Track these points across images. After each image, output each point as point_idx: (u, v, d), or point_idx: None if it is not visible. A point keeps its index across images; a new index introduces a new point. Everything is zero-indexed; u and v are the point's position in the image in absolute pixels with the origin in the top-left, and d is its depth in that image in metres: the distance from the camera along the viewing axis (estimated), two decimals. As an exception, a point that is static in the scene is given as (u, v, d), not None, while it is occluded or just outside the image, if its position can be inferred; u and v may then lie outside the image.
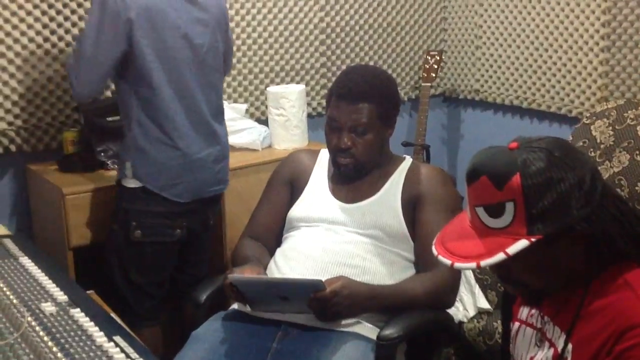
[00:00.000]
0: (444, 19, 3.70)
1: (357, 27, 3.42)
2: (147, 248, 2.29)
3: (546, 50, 3.22)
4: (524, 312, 1.42)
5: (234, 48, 3.07)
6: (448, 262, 1.21)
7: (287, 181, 2.19)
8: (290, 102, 2.94)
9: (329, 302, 1.78)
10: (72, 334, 1.37)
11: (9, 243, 1.88)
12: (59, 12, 2.66)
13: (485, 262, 1.17)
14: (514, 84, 3.39)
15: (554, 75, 3.21)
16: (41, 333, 1.36)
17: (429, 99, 3.36)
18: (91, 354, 1.29)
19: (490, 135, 3.50)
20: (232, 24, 3.06)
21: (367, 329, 1.87)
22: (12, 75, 2.60)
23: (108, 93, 2.74)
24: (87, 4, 2.69)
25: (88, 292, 1.71)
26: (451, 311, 2.03)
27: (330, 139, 2.06)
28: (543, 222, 1.16)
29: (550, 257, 1.21)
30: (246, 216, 2.27)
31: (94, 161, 2.57)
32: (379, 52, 3.52)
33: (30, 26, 2.61)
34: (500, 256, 1.16)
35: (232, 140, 2.84)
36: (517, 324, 1.43)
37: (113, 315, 1.58)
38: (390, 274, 1.97)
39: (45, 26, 2.63)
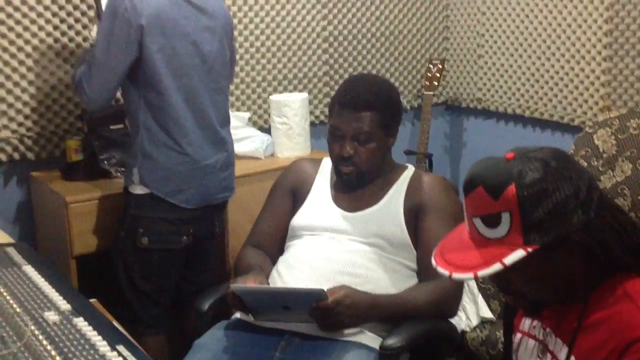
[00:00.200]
0: (446, 27, 3.71)
1: (359, 36, 3.43)
2: (153, 255, 2.29)
3: (548, 59, 3.23)
4: (525, 323, 1.42)
5: (237, 56, 3.09)
6: (446, 272, 1.21)
7: (290, 190, 2.19)
8: (293, 110, 2.95)
9: (331, 312, 1.78)
10: (75, 343, 1.37)
11: (12, 251, 1.88)
12: (62, 21, 2.67)
13: (482, 273, 1.17)
14: (517, 93, 3.40)
15: (557, 84, 3.21)
16: (44, 342, 1.36)
17: (431, 107, 3.36)
18: (94, 363, 1.29)
19: (493, 144, 3.51)
20: (234, 33, 3.06)
21: (370, 339, 1.87)
22: (16, 84, 2.61)
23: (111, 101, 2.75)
24: (86, 17, 2.71)
25: (91, 300, 1.71)
26: (454, 320, 2.03)
27: (333, 147, 2.06)
28: (539, 232, 1.16)
29: (548, 268, 1.21)
30: (249, 225, 2.27)
31: (97, 169, 2.58)
32: (381, 61, 3.53)
33: (34, 35, 2.62)
34: (497, 266, 1.16)
35: (235, 148, 2.83)
36: (519, 335, 1.43)
37: (116, 324, 1.58)
38: (392, 283, 1.97)
39: (49, 34, 2.65)
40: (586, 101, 3.10)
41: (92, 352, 1.33)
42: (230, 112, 2.92)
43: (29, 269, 1.74)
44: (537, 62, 3.28)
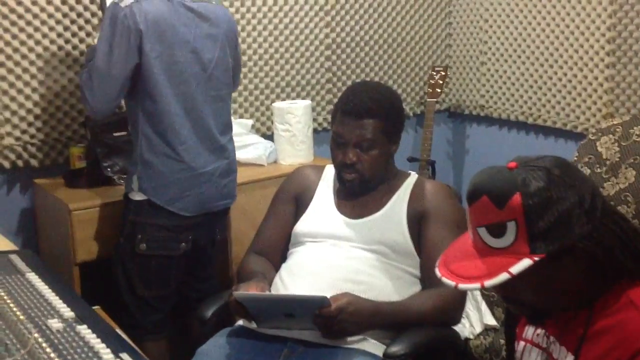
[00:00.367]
0: (449, 35, 3.71)
1: (362, 43, 3.44)
2: (152, 261, 2.29)
3: (551, 66, 3.23)
4: (529, 331, 1.42)
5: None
6: (452, 283, 1.21)
7: (293, 197, 2.19)
8: (296, 117, 2.95)
9: (334, 319, 1.78)
10: (78, 350, 1.37)
11: (15, 259, 1.88)
12: (66, 28, 2.68)
13: (489, 283, 1.17)
14: (519, 100, 3.40)
15: (559, 91, 3.21)
16: (48, 350, 1.36)
17: (434, 114, 3.36)
18: (97, 371, 1.29)
19: (496, 151, 3.51)
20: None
21: (373, 346, 1.86)
22: (19, 91, 2.62)
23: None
24: (90, 25, 2.72)
25: (94, 307, 1.71)
26: (457, 328, 2.02)
27: (336, 154, 2.06)
28: (545, 241, 1.16)
29: (553, 276, 1.21)
30: (251, 231, 2.27)
31: (100, 176, 2.58)
32: (384, 68, 3.53)
33: (37, 42, 2.63)
34: (503, 276, 1.16)
35: (238, 155, 2.84)
36: (522, 343, 1.42)
37: (119, 331, 1.57)
38: (396, 290, 1.97)
39: (52, 42, 2.66)
40: (589, 108, 3.10)
41: (95, 359, 1.33)
42: (233, 119, 2.94)
43: (33, 276, 1.74)
44: (540, 69, 3.28)
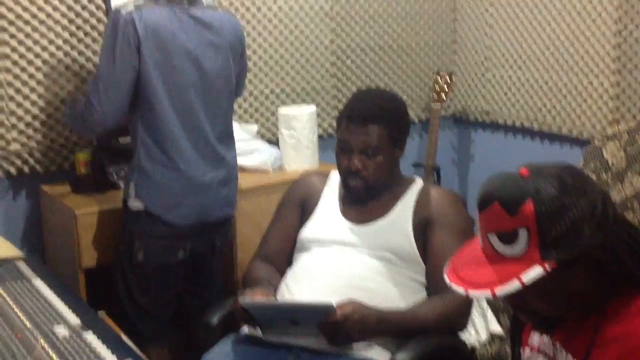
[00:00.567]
0: (454, 40, 3.71)
1: (367, 49, 3.44)
2: (150, 269, 2.29)
3: (557, 72, 3.22)
4: (534, 337, 1.41)
5: (246, 69, 3.10)
6: (462, 290, 1.20)
7: (298, 202, 2.19)
8: (301, 123, 2.95)
9: (340, 326, 1.77)
10: (84, 357, 1.37)
11: (21, 265, 1.89)
12: (72, 34, 2.69)
13: (500, 290, 1.16)
14: (525, 106, 3.40)
15: (565, 97, 3.21)
16: (54, 357, 1.37)
17: (439, 120, 3.36)
18: (103, 378, 1.29)
19: (501, 157, 3.51)
20: (243, 46, 3.08)
21: (379, 354, 1.86)
22: (25, 97, 2.62)
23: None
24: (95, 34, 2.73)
25: (99, 311, 1.71)
26: (463, 335, 2.02)
27: (341, 160, 2.06)
28: (557, 249, 1.16)
29: (563, 284, 1.20)
30: (257, 237, 2.27)
31: (106, 182, 2.59)
32: (389, 74, 3.53)
33: (44, 48, 2.64)
34: (514, 284, 1.15)
35: (243, 161, 2.85)
36: (527, 350, 1.42)
37: (124, 338, 1.58)
38: (401, 297, 1.96)
39: (58, 48, 2.66)
40: (595, 114, 3.10)
41: (101, 366, 1.34)
42: (237, 125, 2.94)
43: (39, 283, 1.74)
44: (545, 75, 3.28)
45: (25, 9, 2.58)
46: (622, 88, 2.99)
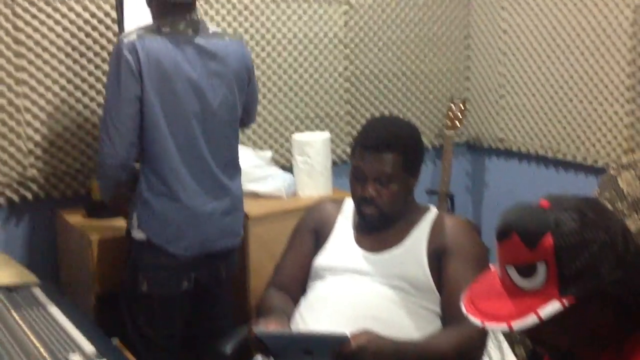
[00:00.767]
0: (467, 67, 3.73)
1: (381, 76, 3.46)
2: (154, 300, 2.27)
3: (571, 100, 3.22)
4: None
5: (259, 96, 3.12)
6: (479, 322, 1.19)
7: (312, 230, 2.19)
8: (315, 149, 2.96)
9: (354, 357, 1.76)
10: (99, 386, 1.37)
11: (37, 291, 1.90)
12: (90, 61, 2.72)
13: (517, 324, 1.15)
14: (539, 133, 3.39)
15: (580, 125, 3.20)
16: (69, 386, 1.37)
17: (453, 147, 3.36)
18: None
19: (515, 185, 3.50)
20: (257, 72, 3.10)
21: (393, 384, 1.84)
22: (43, 123, 2.65)
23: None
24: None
25: (112, 338, 1.71)
26: (479, 366, 2.00)
27: (355, 188, 2.06)
28: (576, 284, 1.15)
29: (582, 319, 1.19)
30: (270, 264, 2.26)
31: (121, 208, 2.59)
32: (402, 100, 3.55)
33: (61, 74, 2.67)
34: (532, 318, 1.14)
35: (257, 187, 2.87)
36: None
37: (138, 367, 1.58)
38: (416, 327, 1.95)
39: (76, 74, 2.70)
40: (610, 142, 3.09)
41: (116, 396, 1.33)
42: (251, 151, 2.96)
43: (54, 310, 1.75)
44: (559, 102, 3.28)
45: (44, 36, 2.62)
46: (637, 116, 2.98)
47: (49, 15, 2.62)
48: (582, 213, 1.18)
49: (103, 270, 2.42)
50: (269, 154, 3.07)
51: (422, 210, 2.12)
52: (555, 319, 1.15)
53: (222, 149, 2.32)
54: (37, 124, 2.64)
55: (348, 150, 3.35)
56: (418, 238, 2.05)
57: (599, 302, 1.19)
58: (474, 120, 3.73)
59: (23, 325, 1.65)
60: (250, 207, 2.72)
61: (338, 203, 2.23)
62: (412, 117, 3.57)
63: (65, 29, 2.66)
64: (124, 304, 2.32)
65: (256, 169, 2.90)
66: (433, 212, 2.13)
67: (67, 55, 2.67)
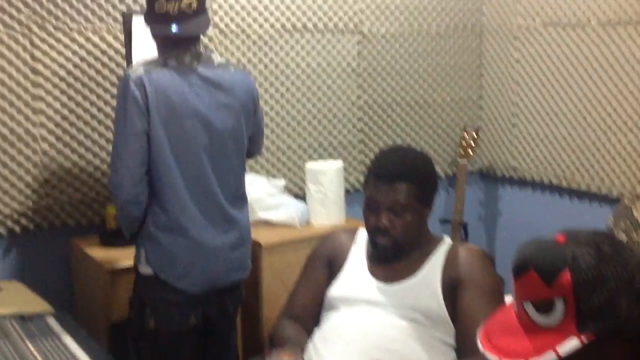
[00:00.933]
0: (480, 96, 3.74)
1: (393, 104, 3.47)
2: (162, 337, 2.24)
3: (584, 129, 3.22)
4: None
5: (273, 124, 3.14)
6: (495, 359, 1.18)
7: (326, 260, 2.18)
8: (328, 178, 2.96)
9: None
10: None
11: (51, 320, 1.90)
12: (106, 90, 2.75)
13: None
14: (552, 163, 3.38)
15: (593, 154, 3.20)
16: (83, 418, 1.37)
17: (466, 175, 3.36)
18: None
19: (529, 213, 3.49)
20: (271, 101, 3.13)
21: (408, 417, 1.82)
22: (59, 152, 2.68)
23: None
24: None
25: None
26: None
27: (369, 219, 2.06)
28: (594, 321, 1.14)
29: (600, 356, 1.18)
30: (283, 293, 2.26)
31: (135, 237, 2.60)
32: (415, 129, 3.56)
33: (78, 104, 2.70)
34: (550, 355, 1.13)
35: (270, 216, 2.87)
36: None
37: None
38: (430, 359, 1.93)
39: (92, 104, 2.73)
40: (624, 172, 3.07)
41: None
42: (265, 179, 2.97)
43: (68, 340, 1.75)
44: (573, 131, 3.27)
45: (61, 66, 2.65)
46: (652, 146, 2.98)
47: (66, 46, 2.66)
48: (598, 248, 1.17)
49: (117, 299, 2.42)
50: (282, 182, 3.08)
51: (436, 241, 2.12)
52: (573, 356, 1.14)
53: (231, 181, 2.30)
54: (53, 153, 2.67)
55: (361, 178, 3.36)
56: (432, 269, 2.04)
57: (617, 339, 1.17)
58: (487, 149, 3.73)
59: (37, 355, 1.66)
60: (263, 236, 2.73)
61: (351, 233, 2.22)
62: (425, 145, 3.58)
63: (82, 59, 2.69)
64: (130, 340, 2.28)
65: (269, 198, 2.91)
66: (447, 242, 2.12)
67: (84, 85, 2.70)
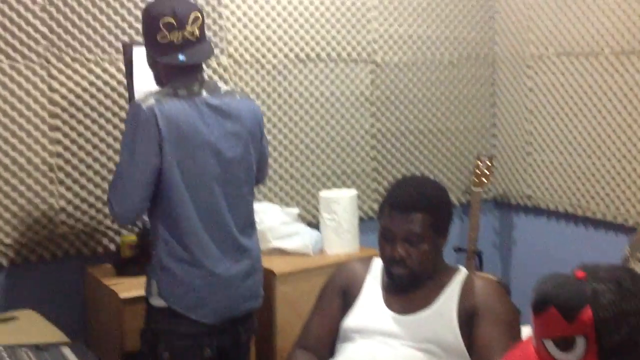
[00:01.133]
0: (493, 124, 3.74)
1: (407, 133, 3.48)
2: None
3: (599, 158, 3.21)
4: None
5: (287, 153, 3.16)
6: None
7: (340, 290, 2.17)
8: (342, 207, 2.96)
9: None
10: None
11: (66, 350, 1.90)
12: (115, 114, 2.77)
13: None
14: (567, 191, 3.37)
15: (608, 183, 3.18)
16: None
17: (480, 203, 3.35)
18: None
19: (544, 242, 3.47)
20: (285, 130, 3.15)
21: None
22: (75, 181, 2.70)
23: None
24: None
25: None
26: None
27: (384, 248, 2.05)
28: (616, 357, 1.13)
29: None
30: (297, 323, 2.24)
31: (149, 265, 2.60)
32: (429, 157, 3.56)
33: (94, 133, 2.73)
34: None
35: (283, 244, 2.87)
36: None
37: None
38: (446, 391, 1.91)
39: (108, 133, 2.75)
40: (640, 201, 3.06)
41: None
42: (278, 208, 2.97)
43: (83, 371, 1.75)
44: (587, 160, 3.26)
45: (78, 97, 2.69)
46: (668, 175, 2.96)
47: (83, 77, 2.69)
48: (619, 283, 1.17)
49: (131, 329, 2.40)
50: (295, 210, 3.08)
51: (452, 271, 2.10)
52: None
53: (241, 209, 2.29)
54: (69, 182, 2.69)
55: (375, 207, 3.36)
56: (448, 300, 2.03)
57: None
58: (501, 177, 3.72)
59: (52, 387, 1.65)
60: (277, 264, 2.72)
61: (366, 262, 2.22)
62: (439, 173, 3.57)
63: (99, 89, 2.72)
64: None
65: (283, 226, 2.92)
66: (463, 272, 2.11)
67: (100, 115, 2.73)
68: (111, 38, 2.73)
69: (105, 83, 2.74)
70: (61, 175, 2.68)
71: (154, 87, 2.23)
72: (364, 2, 3.31)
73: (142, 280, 2.53)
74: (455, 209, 3.56)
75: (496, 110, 3.72)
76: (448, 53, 3.57)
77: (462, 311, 1.99)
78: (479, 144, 3.71)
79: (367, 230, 3.20)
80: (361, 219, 3.25)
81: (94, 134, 2.73)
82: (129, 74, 2.57)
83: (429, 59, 3.51)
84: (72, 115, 2.68)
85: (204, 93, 2.20)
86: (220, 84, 2.30)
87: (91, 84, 2.71)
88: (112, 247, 2.77)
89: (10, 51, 2.56)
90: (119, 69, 2.75)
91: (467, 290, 2.04)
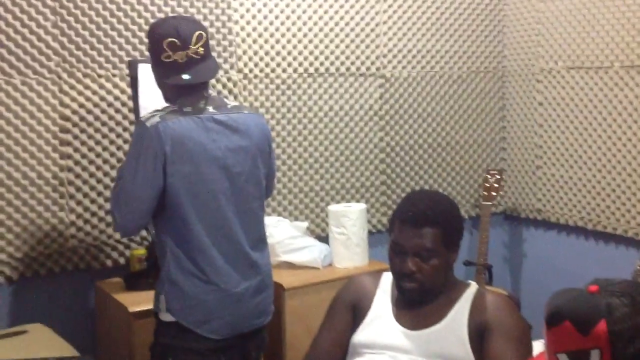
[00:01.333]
0: (503, 138, 3.73)
1: (416, 146, 3.48)
2: None
3: (609, 171, 3.20)
4: None
5: (296, 167, 3.16)
6: None
7: (350, 305, 2.16)
8: (351, 221, 2.96)
9: None
10: None
11: (76, 365, 1.90)
12: (125, 129, 2.78)
13: None
14: (577, 205, 3.36)
15: (619, 197, 3.17)
16: None
17: (490, 217, 3.34)
18: None
19: (554, 256, 3.45)
20: (294, 144, 3.16)
21: None
22: (85, 195, 2.71)
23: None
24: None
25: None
26: None
27: (395, 263, 2.05)
28: None
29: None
30: (306, 336, 2.24)
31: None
32: (438, 171, 3.56)
33: (105, 148, 2.74)
34: None
35: (293, 258, 2.87)
36: None
37: None
38: (457, 408, 1.90)
39: (119, 148, 2.77)
40: (651, 215, 3.04)
41: None
42: (288, 221, 2.97)
43: (93, 386, 1.75)
44: (597, 174, 3.25)
45: (89, 112, 2.70)
46: (678, 188, 2.94)
47: (94, 92, 2.71)
48: (632, 297, 1.16)
49: (140, 343, 2.40)
50: (305, 224, 3.08)
51: (462, 286, 2.10)
52: None
53: (252, 224, 2.28)
54: (79, 196, 2.70)
55: (384, 220, 3.36)
56: (459, 315, 2.02)
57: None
58: (510, 191, 3.72)
59: (62, 402, 1.65)
60: (286, 278, 2.72)
61: (376, 277, 2.21)
62: (448, 187, 3.57)
63: (109, 104, 2.74)
64: None
65: (292, 240, 2.92)
66: (473, 287, 2.10)
67: (111, 129, 2.75)
68: (122, 54, 2.76)
69: (116, 98, 2.76)
70: (72, 190, 2.69)
71: (160, 103, 2.24)
72: (373, 17, 3.33)
73: (151, 294, 2.53)
74: (464, 223, 3.53)
75: (506, 124, 3.72)
76: (457, 67, 3.58)
77: (472, 326, 1.98)
78: (489, 157, 3.70)
79: (376, 243, 3.20)
80: (370, 233, 3.25)
81: (105, 148, 2.74)
82: (134, 90, 2.58)
83: (438, 73, 3.52)
84: (83, 130, 2.70)
85: (210, 109, 2.20)
86: (227, 100, 2.30)
87: (102, 99, 2.73)
88: (122, 260, 2.78)
89: (22, 67, 2.59)
90: (130, 85, 2.77)
91: (477, 305, 2.03)
